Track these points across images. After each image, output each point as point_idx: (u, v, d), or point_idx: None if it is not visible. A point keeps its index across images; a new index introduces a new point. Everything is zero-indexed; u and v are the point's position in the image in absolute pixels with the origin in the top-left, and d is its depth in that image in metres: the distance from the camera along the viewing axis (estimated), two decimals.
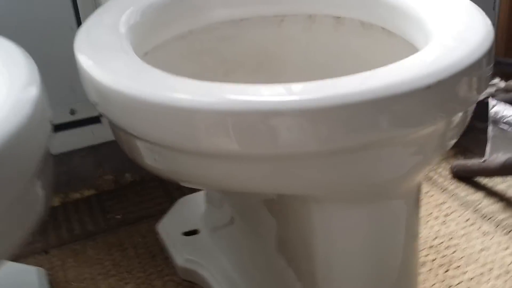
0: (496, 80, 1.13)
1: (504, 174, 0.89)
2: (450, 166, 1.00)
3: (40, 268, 0.81)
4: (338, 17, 0.71)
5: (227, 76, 0.78)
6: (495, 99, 1.01)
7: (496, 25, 1.30)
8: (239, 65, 0.78)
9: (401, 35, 0.61)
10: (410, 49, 0.58)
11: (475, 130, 0.96)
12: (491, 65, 0.48)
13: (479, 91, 0.46)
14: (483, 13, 0.53)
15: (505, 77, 1.17)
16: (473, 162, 0.95)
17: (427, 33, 0.53)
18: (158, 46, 0.68)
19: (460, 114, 0.47)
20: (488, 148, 0.88)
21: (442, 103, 0.42)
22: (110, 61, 0.49)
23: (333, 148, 0.42)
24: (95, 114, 0.64)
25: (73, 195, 1.03)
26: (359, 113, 0.40)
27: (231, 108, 0.41)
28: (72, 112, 0.94)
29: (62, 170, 0.99)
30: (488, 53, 0.46)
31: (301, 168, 0.44)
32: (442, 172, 1.01)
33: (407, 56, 0.47)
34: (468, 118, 0.51)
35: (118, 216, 0.96)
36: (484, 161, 0.92)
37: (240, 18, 0.74)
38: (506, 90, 1.07)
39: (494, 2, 1.28)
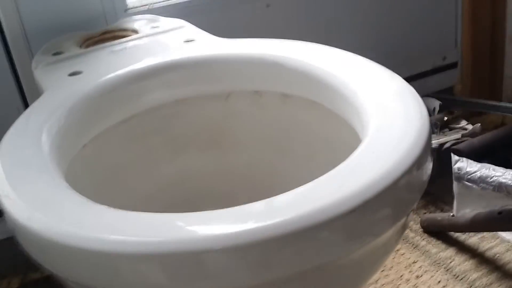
0: (463, 123, 1.11)
1: (473, 230, 0.87)
2: (420, 219, 0.98)
3: None
4: (285, 94, 0.68)
5: (176, 155, 0.75)
6: (460, 145, 0.99)
7: (460, 62, 1.29)
8: (188, 143, 0.75)
9: (342, 116, 0.59)
10: (350, 130, 0.55)
11: (445, 177, 0.93)
12: (429, 163, 0.45)
13: (412, 201, 0.43)
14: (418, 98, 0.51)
15: (471, 117, 1.16)
16: (443, 216, 0.92)
17: (363, 123, 0.50)
18: (99, 136, 0.65)
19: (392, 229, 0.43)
20: (455, 205, 0.86)
21: (370, 224, 0.39)
22: (25, 187, 0.46)
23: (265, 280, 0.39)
24: None
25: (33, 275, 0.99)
26: (283, 246, 0.37)
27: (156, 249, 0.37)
28: None
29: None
30: (421, 157, 0.43)
31: None
32: (413, 226, 0.98)
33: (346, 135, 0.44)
34: (407, 223, 0.48)
35: None
36: (453, 215, 0.89)
37: (184, 97, 0.71)
38: (472, 134, 1.05)
39: (456, 40, 1.27)
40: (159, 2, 0.95)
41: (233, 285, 0.38)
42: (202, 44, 0.73)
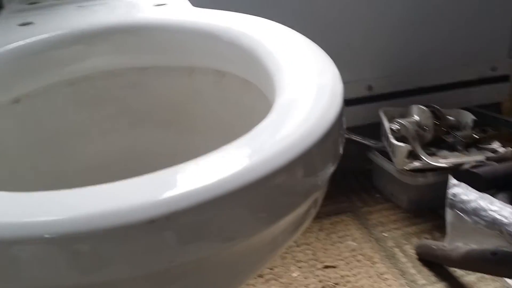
0: (495, 145, 0.97)
1: (465, 268, 0.74)
2: (416, 245, 0.86)
3: None
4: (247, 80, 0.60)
5: (130, 128, 0.69)
6: (480, 169, 0.86)
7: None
8: (145, 117, 0.69)
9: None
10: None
11: None
12: (332, 148, 0.36)
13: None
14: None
15: (509, 141, 1.01)
16: (438, 245, 0.80)
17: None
18: (36, 93, 0.61)
19: None
20: (447, 234, 0.74)
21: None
22: None
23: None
24: None
25: None
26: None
27: None
28: None
29: None
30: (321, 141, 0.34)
31: None
32: (408, 251, 0.87)
33: None
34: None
35: None
36: (443, 247, 0.77)
37: (142, 67, 0.65)
38: (499, 159, 0.91)
39: (510, 49, 1.11)
40: None
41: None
42: (171, 10, 0.66)
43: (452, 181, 0.71)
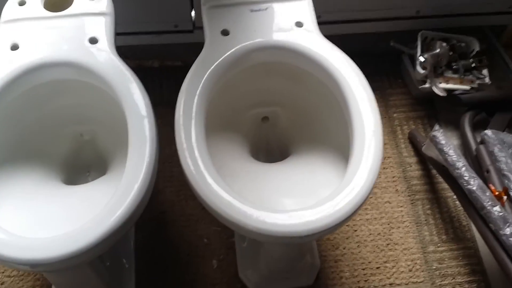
0: (484, 73, 1.49)
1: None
2: (410, 129, 1.49)
3: None
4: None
5: (269, 78, 1.24)
6: (463, 96, 1.43)
7: None
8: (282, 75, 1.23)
9: None
10: None
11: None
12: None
13: None
14: None
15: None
16: (422, 140, 1.43)
17: None
18: (241, 71, 1.15)
19: None
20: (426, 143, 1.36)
21: None
22: None
23: None
24: None
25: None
26: None
27: None
28: None
29: None
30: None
31: None
32: (405, 130, 1.50)
33: None
34: None
35: None
36: (423, 145, 1.41)
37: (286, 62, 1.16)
38: (479, 88, 1.46)
39: None
40: None
41: None
42: (305, 37, 1.13)
43: (436, 127, 1.29)
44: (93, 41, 1.08)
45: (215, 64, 1.07)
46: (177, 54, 1.54)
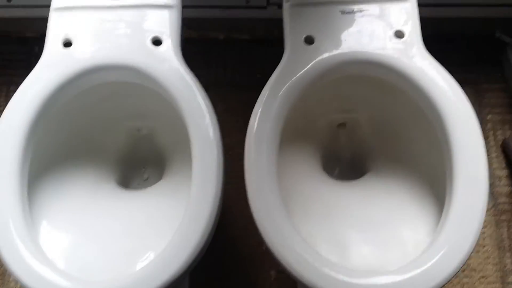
0: None
1: None
2: (504, 138, 1.30)
3: None
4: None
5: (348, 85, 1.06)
6: None
7: None
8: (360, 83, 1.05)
9: None
10: None
11: None
12: None
13: None
14: None
15: None
16: None
17: None
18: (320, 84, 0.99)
19: None
20: None
21: None
22: None
23: None
24: None
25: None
26: None
27: None
28: None
29: None
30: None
31: None
32: (498, 136, 1.31)
33: None
34: None
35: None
36: None
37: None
38: None
39: None
40: None
41: None
42: (406, 52, 0.93)
43: None
44: (157, 42, 0.94)
45: (295, 82, 0.91)
46: (245, 28, 1.37)
